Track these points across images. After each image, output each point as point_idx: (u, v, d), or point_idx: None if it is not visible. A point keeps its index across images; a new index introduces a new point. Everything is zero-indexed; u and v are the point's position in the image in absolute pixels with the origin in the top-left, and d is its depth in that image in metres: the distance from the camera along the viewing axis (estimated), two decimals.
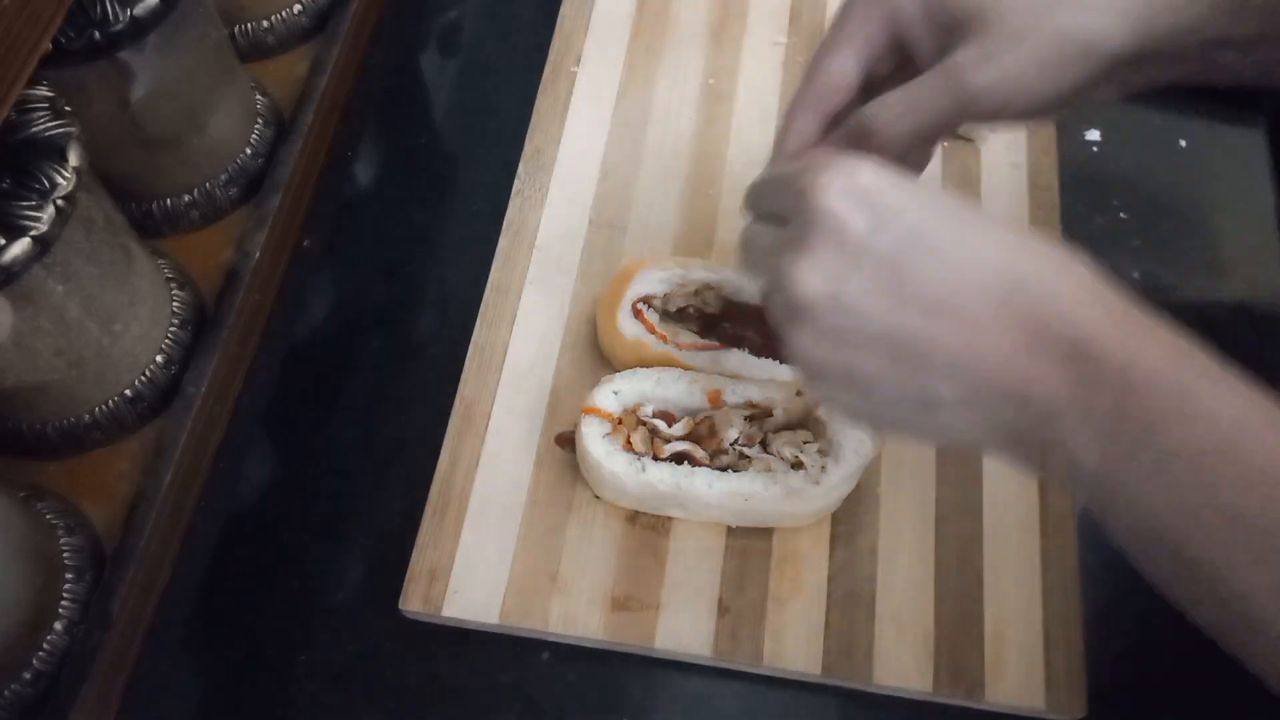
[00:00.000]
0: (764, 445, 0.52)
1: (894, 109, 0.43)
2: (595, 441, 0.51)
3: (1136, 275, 0.62)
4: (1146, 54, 0.41)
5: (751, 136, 0.65)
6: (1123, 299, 0.36)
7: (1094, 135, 0.66)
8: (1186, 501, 0.33)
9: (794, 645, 0.50)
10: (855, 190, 0.36)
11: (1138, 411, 0.33)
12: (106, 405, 0.52)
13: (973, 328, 0.35)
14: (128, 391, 0.53)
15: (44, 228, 0.42)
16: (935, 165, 0.64)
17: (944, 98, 0.42)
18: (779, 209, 0.40)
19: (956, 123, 0.43)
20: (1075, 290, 0.36)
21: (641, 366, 0.54)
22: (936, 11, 0.42)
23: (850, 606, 0.51)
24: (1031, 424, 0.35)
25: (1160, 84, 0.44)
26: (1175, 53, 0.42)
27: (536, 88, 0.68)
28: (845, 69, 0.44)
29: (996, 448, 0.37)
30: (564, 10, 0.71)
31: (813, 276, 0.36)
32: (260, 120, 0.62)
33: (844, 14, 0.44)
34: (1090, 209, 0.64)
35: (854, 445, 0.51)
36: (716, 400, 0.52)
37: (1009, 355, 0.35)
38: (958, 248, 0.36)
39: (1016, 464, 0.37)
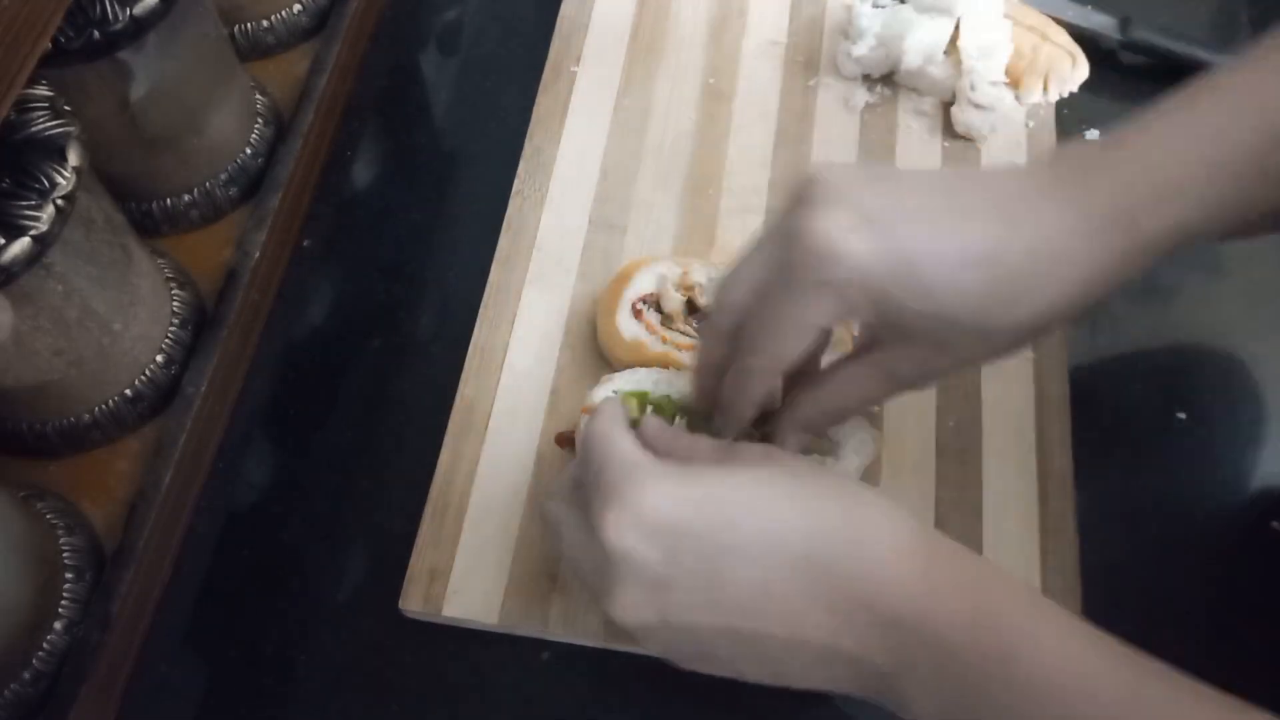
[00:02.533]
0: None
1: (827, 402, 0.44)
2: None
3: None
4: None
5: (751, 136, 0.65)
6: (936, 551, 0.37)
7: (1094, 135, 0.66)
8: None
9: None
10: (641, 524, 0.37)
11: (960, 674, 0.35)
12: (106, 405, 0.52)
13: (790, 616, 0.36)
14: (128, 391, 0.53)
15: (44, 227, 0.42)
16: (935, 165, 0.64)
17: (875, 387, 0.43)
18: (582, 500, 0.40)
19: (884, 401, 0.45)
20: (880, 559, 0.36)
21: (641, 366, 0.54)
22: (886, 319, 0.40)
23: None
24: (874, 681, 0.37)
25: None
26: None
27: (536, 88, 0.67)
28: (799, 351, 0.42)
29: (859, 694, 0.39)
30: (564, 10, 0.71)
31: (633, 610, 0.38)
32: (260, 120, 0.63)
33: (797, 300, 0.40)
34: None
35: (854, 445, 0.50)
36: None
37: (832, 631, 0.36)
38: (756, 543, 0.37)
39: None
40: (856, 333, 0.57)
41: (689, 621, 0.37)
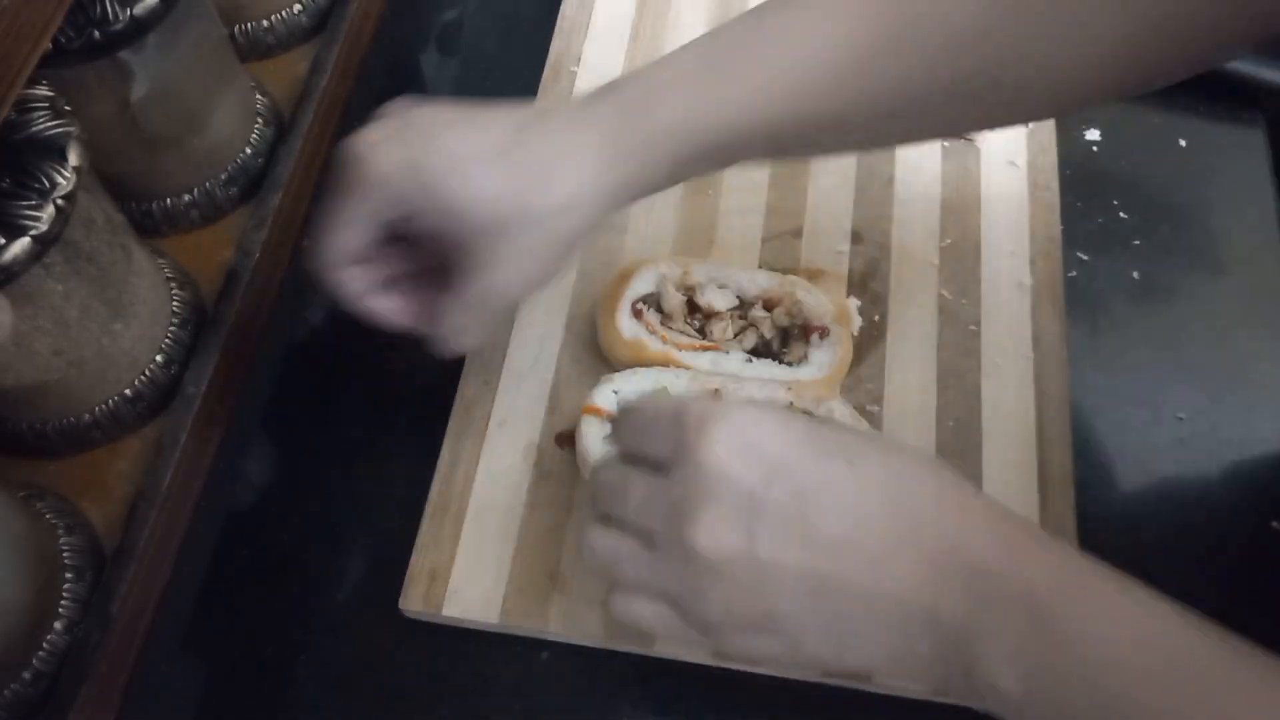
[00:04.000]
0: None
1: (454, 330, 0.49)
2: (595, 441, 0.51)
3: (1136, 275, 0.62)
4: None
5: None
6: (1011, 518, 0.38)
7: (1094, 135, 0.66)
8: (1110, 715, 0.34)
9: None
10: (742, 444, 0.37)
11: (1047, 634, 0.34)
12: (106, 405, 0.52)
13: (878, 559, 0.36)
14: (128, 391, 0.53)
15: (44, 227, 0.42)
16: (935, 165, 0.64)
17: (480, 309, 0.47)
18: (651, 452, 0.40)
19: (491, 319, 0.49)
20: (965, 514, 0.37)
21: (641, 366, 0.54)
22: (424, 224, 0.46)
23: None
24: (948, 650, 0.36)
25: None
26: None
27: (536, 88, 0.67)
28: (354, 241, 0.47)
29: (920, 678, 0.38)
30: (564, 10, 0.71)
31: (721, 534, 0.36)
32: (260, 120, 0.62)
33: (344, 199, 0.46)
34: (1090, 209, 0.64)
35: None
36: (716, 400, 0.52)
37: (916, 582, 0.36)
38: (849, 485, 0.37)
39: (947, 693, 0.39)
40: (856, 332, 0.57)
41: (772, 555, 0.36)
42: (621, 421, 0.43)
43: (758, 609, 0.37)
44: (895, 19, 0.43)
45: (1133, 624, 0.34)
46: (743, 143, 0.45)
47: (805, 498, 0.36)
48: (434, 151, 0.44)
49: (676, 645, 0.43)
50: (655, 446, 0.39)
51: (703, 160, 0.46)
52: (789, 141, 0.46)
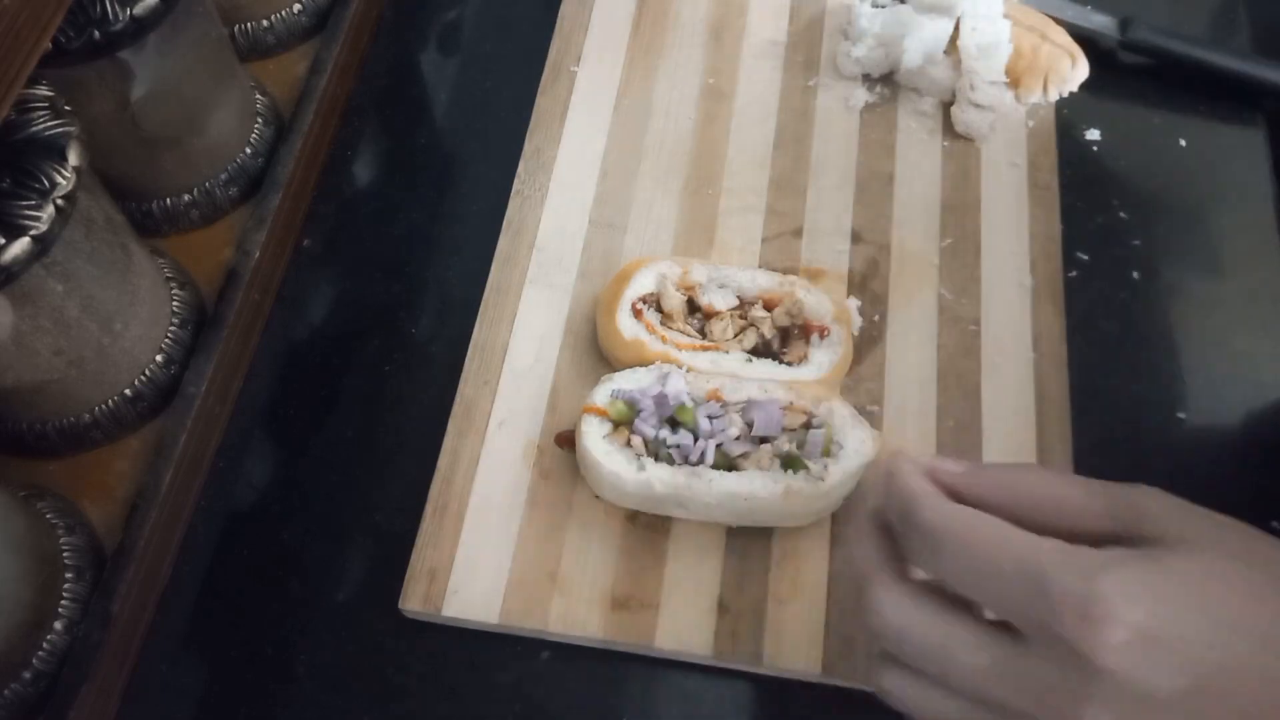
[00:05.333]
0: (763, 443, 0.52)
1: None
2: (595, 441, 0.51)
3: (1136, 275, 0.62)
4: None
5: (751, 136, 0.65)
6: None
7: (1094, 135, 0.66)
8: None
9: (794, 645, 0.50)
10: (1141, 639, 0.32)
11: None
12: (106, 405, 0.52)
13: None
14: (128, 391, 0.53)
15: (44, 227, 0.42)
16: (935, 165, 0.64)
17: None
18: (988, 605, 0.34)
19: None
20: None
21: (641, 366, 0.54)
22: None
23: (851, 607, 0.51)
24: None
25: None
26: None
27: (536, 88, 0.67)
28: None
29: None
30: (564, 10, 0.71)
31: None
32: (260, 120, 0.63)
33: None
34: (1090, 208, 0.64)
35: (855, 445, 0.51)
36: (716, 400, 0.52)
37: None
38: (1253, 653, 0.32)
39: None
40: (856, 332, 0.57)
41: None
42: (926, 541, 0.35)
43: None
44: None
45: None
46: None
47: (1213, 679, 0.32)
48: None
49: None
50: (997, 603, 0.34)
51: None
52: None
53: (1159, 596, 0.32)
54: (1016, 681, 0.34)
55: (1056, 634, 0.32)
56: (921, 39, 0.64)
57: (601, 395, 0.52)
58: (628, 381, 0.53)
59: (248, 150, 0.61)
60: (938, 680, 0.35)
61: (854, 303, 0.58)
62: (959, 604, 0.35)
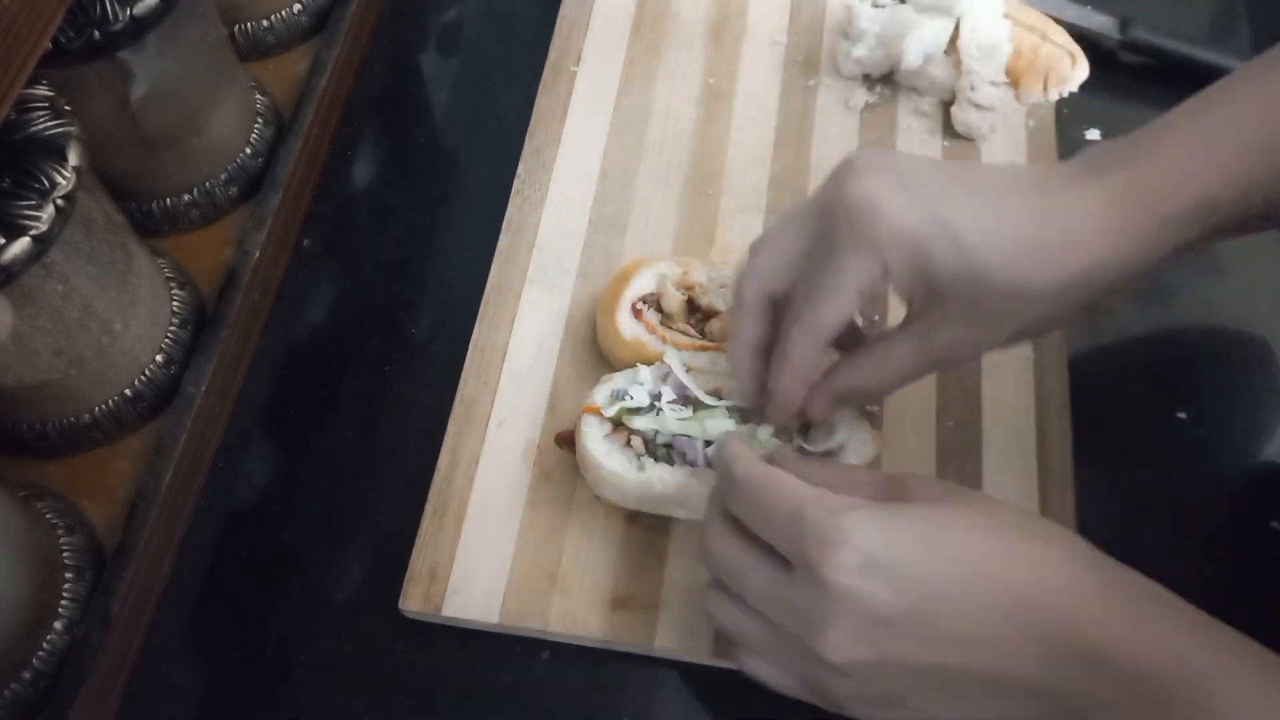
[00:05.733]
0: None
1: (867, 375, 0.45)
2: (595, 441, 0.51)
3: None
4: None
5: (751, 136, 0.65)
6: (1124, 582, 0.38)
7: (1094, 135, 0.66)
8: None
9: None
10: (865, 563, 0.37)
11: (1159, 707, 0.35)
12: (106, 405, 0.52)
13: (998, 649, 0.37)
14: (128, 391, 0.53)
15: (44, 227, 0.42)
16: None
17: (913, 361, 0.44)
18: (766, 539, 0.40)
19: (922, 376, 0.46)
20: (1076, 591, 0.37)
21: (641, 366, 0.54)
22: (925, 280, 0.41)
23: None
24: (1069, 717, 0.37)
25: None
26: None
27: (536, 88, 0.67)
28: (843, 317, 0.43)
29: None
30: (564, 10, 0.71)
31: (850, 649, 0.38)
32: (260, 120, 0.63)
33: (838, 262, 0.41)
34: None
35: (855, 445, 0.51)
36: None
37: (1034, 664, 0.37)
38: (971, 581, 0.38)
39: None
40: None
41: (903, 658, 0.38)
42: (733, 490, 0.42)
43: (886, 695, 0.40)
44: None
45: (1257, 707, 0.34)
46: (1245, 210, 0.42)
47: (929, 601, 0.37)
48: (959, 211, 0.40)
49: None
50: (772, 537, 0.40)
51: (1203, 236, 0.42)
52: None
53: (890, 530, 0.38)
54: (785, 605, 0.40)
55: (806, 561, 0.38)
56: (921, 39, 0.64)
57: (601, 395, 0.52)
58: (627, 381, 0.53)
59: (247, 150, 0.61)
60: (737, 600, 0.42)
61: None
62: (762, 543, 0.41)
